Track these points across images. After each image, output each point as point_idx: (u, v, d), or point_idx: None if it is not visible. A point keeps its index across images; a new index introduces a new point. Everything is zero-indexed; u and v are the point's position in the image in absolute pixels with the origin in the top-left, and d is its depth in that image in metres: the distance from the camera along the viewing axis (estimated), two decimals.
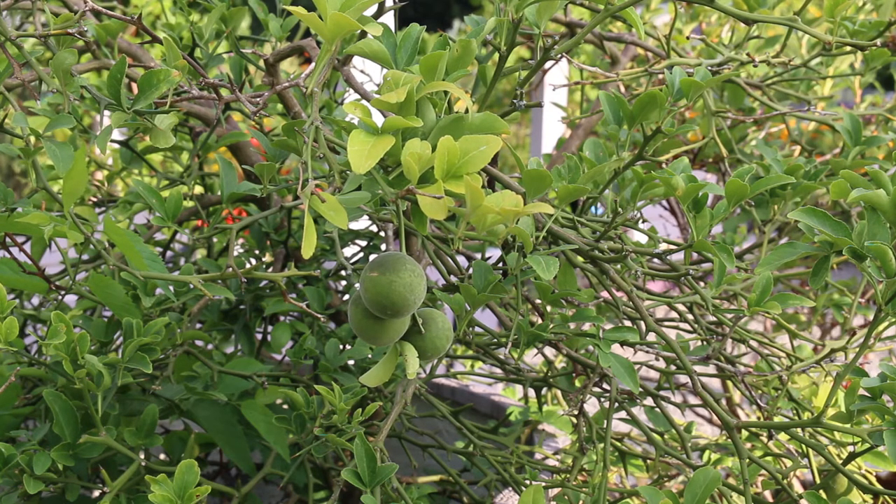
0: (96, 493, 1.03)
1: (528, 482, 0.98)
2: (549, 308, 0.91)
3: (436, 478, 1.23)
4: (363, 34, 0.78)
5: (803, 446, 0.87)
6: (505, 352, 1.09)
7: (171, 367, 1.01)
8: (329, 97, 1.25)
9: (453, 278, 0.92)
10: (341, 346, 1.06)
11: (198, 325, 1.18)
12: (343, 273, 1.22)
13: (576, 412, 0.97)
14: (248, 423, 1.01)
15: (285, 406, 1.17)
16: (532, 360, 2.27)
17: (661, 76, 0.99)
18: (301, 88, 0.62)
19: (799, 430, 0.84)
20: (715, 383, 2.01)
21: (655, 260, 0.93)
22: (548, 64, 1.10)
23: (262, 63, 0.96)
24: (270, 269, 1.26)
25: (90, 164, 1.32)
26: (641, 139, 0.82)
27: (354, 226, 1.33)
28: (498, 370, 1.49)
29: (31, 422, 1.12)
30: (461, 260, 1.20)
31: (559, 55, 0.83)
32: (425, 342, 0.67)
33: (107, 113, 0.73)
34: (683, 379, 1.32)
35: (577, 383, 1.07)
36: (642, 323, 0.86)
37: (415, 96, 0.59)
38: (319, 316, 0.79)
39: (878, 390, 0.73)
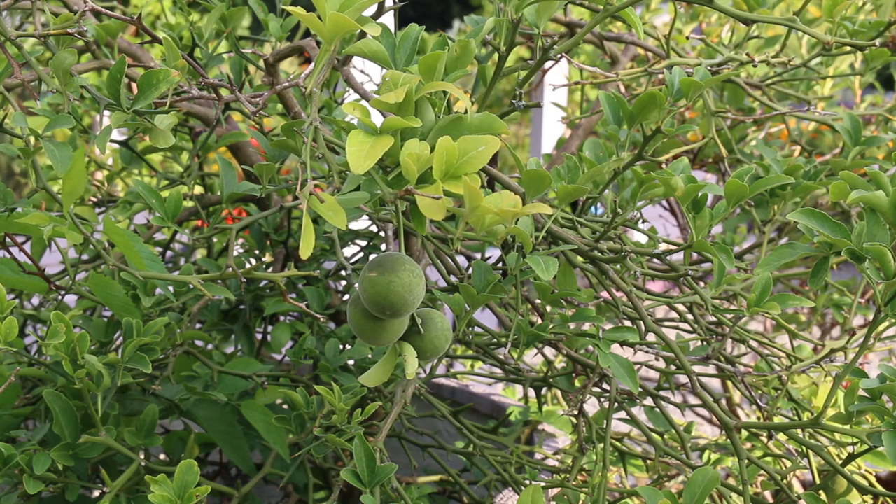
0: (96, 493, 1.03)
1: (527, 482, 0.98)
2: (548, 308, 0.91)
3: (436, 478, 1.23)
4: (362, 34, 0.78)
5: (803, 447, 0.87)
6: (505, 352, 1.09)
7: (171, 367, 1.01)
8: (329, 97, 1.25)
9: (453, 278, 0.92)
10: (341, 346, 1.06)
11: (198, 325, 1.18)
12: (343, 273, 1.22)
13: (576, 412, 0.97)
14: (248, 423, 1.01)
15: (285, 406, 1.17)
16: (532, 360, 2.27)
17: (660, 76, 0.99)
18: (301, 88, 0.62)
19: (798, 430, 0.84)
20: (715, 383, 2.01)
21: (655, 260, 0.93)
22: (547, 64, 1.10)
23: (261, 63, 0.96)
24: (270, 269, 1.26)
25: (90, 164, 1.32)
26: (641, 139, 0.82)
27: (354, 226, 1.33)
28: (498, 370, 1.49)
29: (31, 422, 1.12)
30: (461, 260, 1.20)
31: (559, 55, 0.83)
32: (425, 342, 0.67)
33: (107, 113, 0.73)
34: (683, 379, 1.32)
35: (577, 383, 1.07)
36: (642, 323, 0.86)
37: (414, 96, 0.59)
38: (319, 316, 0.79)
39: (878, 391, 0.73)
